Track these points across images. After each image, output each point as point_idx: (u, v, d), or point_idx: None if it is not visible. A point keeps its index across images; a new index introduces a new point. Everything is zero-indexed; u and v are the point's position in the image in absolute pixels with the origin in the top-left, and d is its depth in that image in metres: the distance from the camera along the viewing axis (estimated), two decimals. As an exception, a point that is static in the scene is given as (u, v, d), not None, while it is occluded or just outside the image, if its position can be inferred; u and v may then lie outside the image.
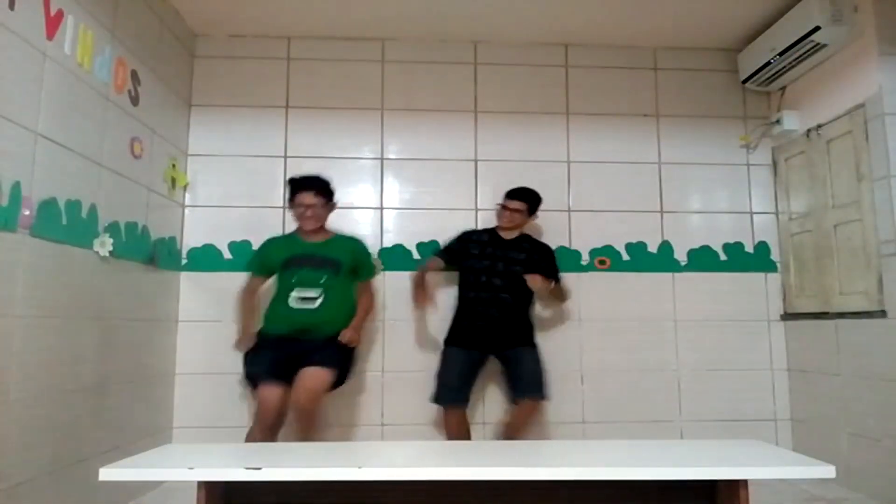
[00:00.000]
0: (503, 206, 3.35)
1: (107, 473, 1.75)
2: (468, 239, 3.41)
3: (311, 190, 3.05)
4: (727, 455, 2.09)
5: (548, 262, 3.39)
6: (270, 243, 3.22)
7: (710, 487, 1.99)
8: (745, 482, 1.87)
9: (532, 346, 3.30)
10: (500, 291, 3.24)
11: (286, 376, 2.90)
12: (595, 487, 1.95)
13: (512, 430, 3.20)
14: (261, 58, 3.80)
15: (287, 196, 3.17)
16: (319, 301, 2.99)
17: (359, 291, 3.20)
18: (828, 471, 1.83)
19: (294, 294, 2.99)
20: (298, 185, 3.08)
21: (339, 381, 3.01)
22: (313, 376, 2.88)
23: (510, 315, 3.26)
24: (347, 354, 3.06)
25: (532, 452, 2.31)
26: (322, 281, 3.00)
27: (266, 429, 2.90)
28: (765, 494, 3.01)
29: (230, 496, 1.93)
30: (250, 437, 2.95)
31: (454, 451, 2.48)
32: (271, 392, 2.88)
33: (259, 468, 1.74)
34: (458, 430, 3.22)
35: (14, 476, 2.15)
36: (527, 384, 3.19)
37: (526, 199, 3.35)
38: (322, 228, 3.14)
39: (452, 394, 3.23)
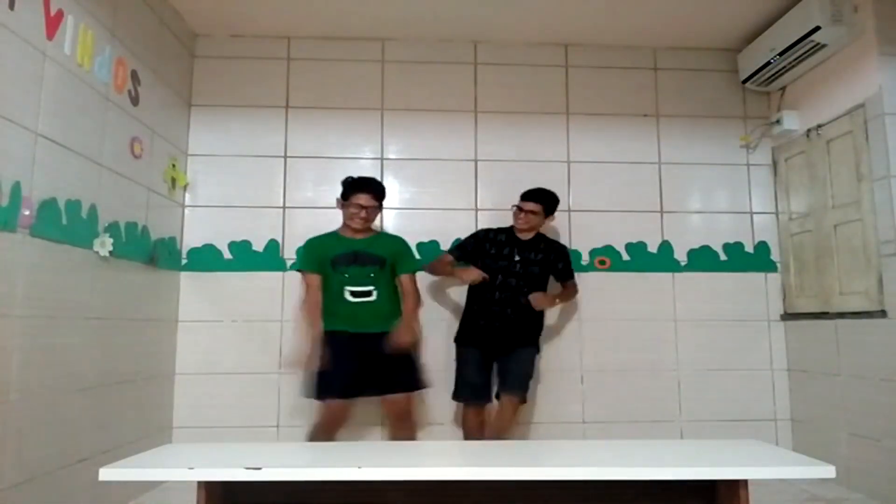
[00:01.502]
0: (518, 208, 3.32)
1: (107, 473, 1.75)
2: (485, 238, 3.38)
3: (370, 192, 3.09)
4: (727, 455, 2.09)
5: (563, 262, 3.39)
6: (317, 241, 3.18)
7: (710, 487, 1.99)
8: (745, 482, 1.87)
9: (532, 345, 3.30)
10: (516, 292, 3.23)
11: (355, 390, 2.98)
12: (595, 487, 1.94)
13: (494, 431, 3.18)
14: (261, 58, 3.80)
15: (341, 193, 3.13)
16: (374, 295, 3.04)
17: (402, 288, 3.15)
18: (828, 471, 1.83)
19: (348, 289, 3.03)
20: (357, 186, 3.10)
21: (422, 385, 3.12)
22: (399, 404, 3.04)
23: (525, 317, 3.25)
24: (415, 362, 3.10)
25: (532, 452, 2.31)
26: (371, 276, 3.05)
27: (331, 435, 2.98)
28: (765, 494, 3.01)
29: (230, 496, 1.93)
30: (312, 439, 3.00)
31: (453, 451, 2.49)
32: (339, 408, 2.97)
33: (259, 468, 1.74)
34: (478, 426, 3.22)
35: (14, 476, 2.15)
36: (511, 382, 3.20)
37: (541, 201, 3.31)
38: (368, 227, 3.16)
39: (477, 392, 3.23)
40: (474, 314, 3.30)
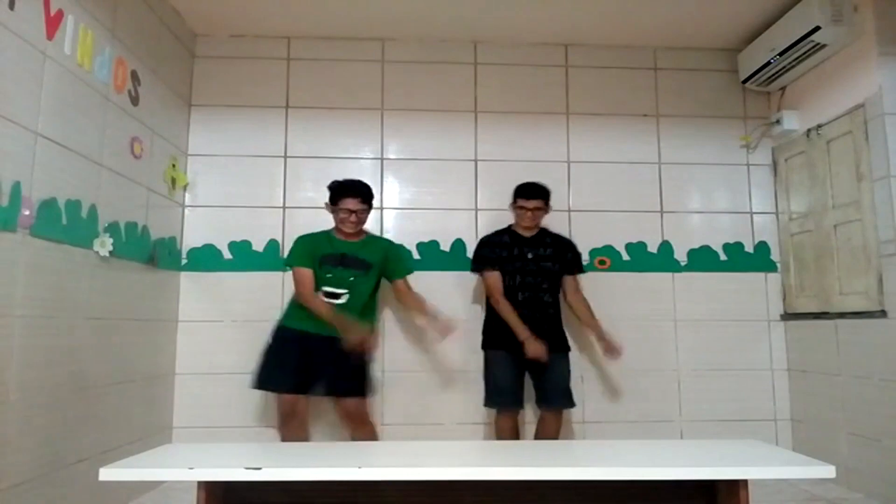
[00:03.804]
0: (522, 208, 3.24)
1: (107, 473, 1.75)
2: (491, 243, 3.32)
3: (357, 197, 3.08)
4: (727, 455, 2.08)
5: (571, 253, 3.34)
6: (309, 239, 3.19)
7: (710, 487, 1.99)
8: (745, 482, 1.87)
9: (564, 351, 3.25)
10: (537, 291, 3.20)
11: (304, 384, 3.01)
12: (595, 487, 1.94)
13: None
14: (261, 58, 3.80)
15: (329, 198, 3.12)
16: (344, 299, 3.04)
17: (402, 294, 3.22)
18: (828, 471, 1.83)
19: (324, 289, 3.05)
20: (343, 191, 3.09)
21: (358, 391, 3.10)
22: (348, 406, 3.04)
23: (552, 316, 3.23)
24: (362, 369, 3.09)
25: (532, 453, 2.31)
26: (351, 280, 3.05)
27: (290, 430, 3.02)
28: (765, 494, 3.02)
29: (230, 496, 1.93)
30: (281, 437, 3.05)
31: (453, 451, 2.48)
32: (288, 402, 3.01)
33: (259, 468, 1.74)
34: (512, 433, 3.19)
35: (14, 476, 2.15)
36: (554, 398, 3.18)
37: (543, 196, 3.27)
38: (360, 230, 3.17)
39: (511, 399, 3.18)
40: (501, 319, 3.22)
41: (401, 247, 3.39)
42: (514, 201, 3.29)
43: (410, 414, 3.54)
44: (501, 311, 3.19)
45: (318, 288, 3.06)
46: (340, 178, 3.21)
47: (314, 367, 3.00)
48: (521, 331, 3.11)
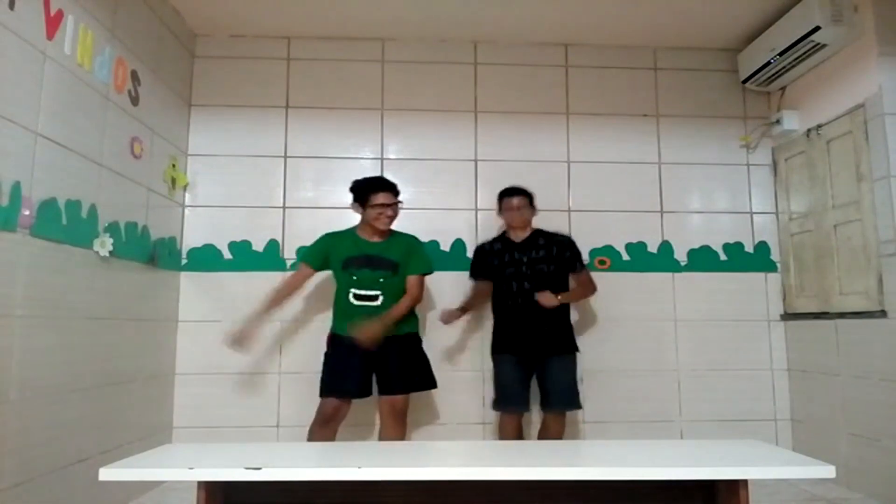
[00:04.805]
0: (509, 208, 3.23)
1: (107, 473, 1.75)
2: (483, 252, 3.33)
3: (389, 191, 3.05)
4: (727, 455, 2.08)
5: (569, 251, 3.29)
6: (334, 238, 3.15)
7: (710, 487, 1.99)
8: (745, 482, 1.87)
9: (568, 352, 3.22)
10: (532, 295, 3.17)
11: (353, 392, 3.01)
12: (595, 487, 1.94)
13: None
14: (261, 58, 3.80)
15: (354, 198, 3.06)
16: (380, 300, 3.01)
17: (407, 286, 3.12)
18: (828, 471, 1.83)
19: (353, 291, 3.03)
20: (374, 187, 3.04)
21: (428, 384, 3.13)
22: (396, 403, 3.03)
23: (554, 318, 3.20)
24: (420, 362, 3.11)
25: (531, 453, 2.31)
26: (381, 281, 3.03)
27: (326, 430, 3.00)
28: (765, 494, 3.02)
29: (230, 496, 1.93)
30: (311, 436, 3.03)
31: (453, 451, 2.48)
32: (332, 407, 3.00)
33: (259, 468, 1.74)
34: (516, 434, 3.19)
35: (14, 476, 2.15)
36: (554, 399, 3.17)
37: (524, 193, 3.26)
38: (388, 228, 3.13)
39: (515, 400, 3.19)
40: (503, 324, 3.26)
41: (422, 245, 3.26)
42: (500, 208, 3.30)
43: (411, 414, 3.52)
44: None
45: (346, 291, 3.04)
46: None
47: (362, 371, 2.99)
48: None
